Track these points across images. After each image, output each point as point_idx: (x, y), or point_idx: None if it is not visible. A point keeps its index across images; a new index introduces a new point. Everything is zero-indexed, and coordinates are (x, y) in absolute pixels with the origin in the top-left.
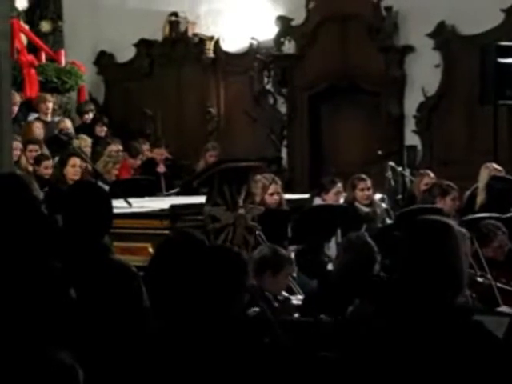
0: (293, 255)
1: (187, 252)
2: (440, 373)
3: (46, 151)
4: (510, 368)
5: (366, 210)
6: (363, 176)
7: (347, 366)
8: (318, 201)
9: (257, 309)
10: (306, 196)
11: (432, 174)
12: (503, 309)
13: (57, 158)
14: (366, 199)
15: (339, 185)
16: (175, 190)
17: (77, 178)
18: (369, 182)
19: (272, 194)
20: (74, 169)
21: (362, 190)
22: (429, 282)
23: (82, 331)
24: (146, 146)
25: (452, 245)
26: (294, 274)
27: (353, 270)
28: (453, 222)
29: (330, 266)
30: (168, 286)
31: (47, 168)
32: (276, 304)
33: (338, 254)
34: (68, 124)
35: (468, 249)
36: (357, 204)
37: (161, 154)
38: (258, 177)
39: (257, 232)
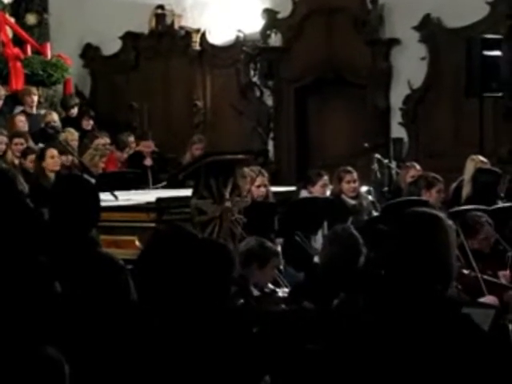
0: (279, 248)
1: (177, 245)
2: (429, 366)
3: (32, 144)
4: (495, 362)
5: (353, 202)
6: (349, 168)
7: (333, 359)
8: (304, 193)
9: (243, 300)
10: (293, 188)
11: (418, 167)
12: (487, 298)
13: None
14: (353, 192)
15: (325, 177)
16: (162, 184)
17: (57, 168)
18: (355, 175)
19: (259, 187)
20: (53, 160)
21: (349, 182)
22: (419, 275)
23: (68, 325)
24: (132, 139)
25: (442, 237)
26: (281, 267)
27: (338, 262)
28: (442, 214)
29: (316, 259)
30: (157, 279)
31: (33, 162)
32: (262, 296)
33: (323, 246)
34: (54, 117)
35: (454, 241)
36: (343, 196)
37: (148, 146)
38: (245, 169)
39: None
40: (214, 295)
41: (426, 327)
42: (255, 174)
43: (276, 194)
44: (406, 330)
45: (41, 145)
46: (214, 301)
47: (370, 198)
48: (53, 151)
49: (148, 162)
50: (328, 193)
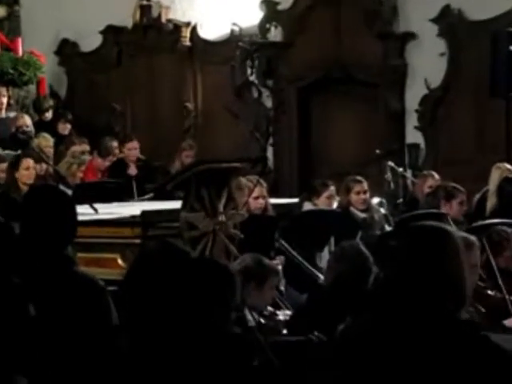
0: (280, 267)
1: (168, 265)
2: None
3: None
4: None
5: (363, 215)
6: (359, 178)
7: None
8: (308, 206)
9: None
10: (295, 200)
11: (436, 176)
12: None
13: None
14: (363, 204)
15: (332, 188)
16: (148, 196)
17: (30, 182)
18: (365, 185)
19: (256, 198)
20: (27, 172)
21: (358, 193)
22: (426, 295)
23: (43, 353)
24: (115, 145)
25: (451, 253)
26: (282, 288)
27: (345, 282)
28: (451, 228)
29: (322, 278)
30: (144, 304)
31: (2, 171)
32: (262, 320)
33: (329, 264)
34: (27, 121)
35: (477, 258)
36: (352, 209)
37: (133, 147)
38: (241, 179)
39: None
40: (213, 322)
41: (438, 350)
42: (252, 183)
43: (276, 206)
44: (418, 354)
45: (7, 152)
46: (213, 328)
47: (383, 210)
48: (29, 161)
49: (132, 170)
50: (335, 205)
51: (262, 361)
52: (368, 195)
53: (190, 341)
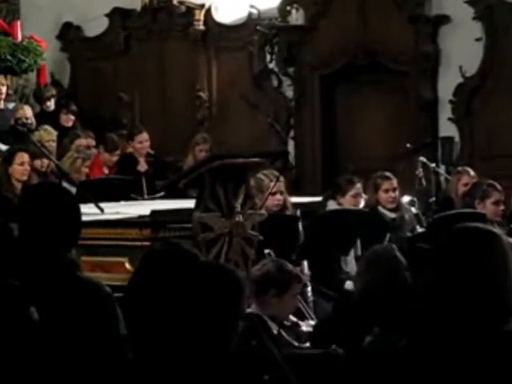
0: (307, 271)
1: (174, 269)
2: None
3: None
4: None
5: (392, 215)
6: (388, 174)
7: None
8: (332, 205)
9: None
10: (318, 199)
11: (472, 172)
12: None
13: None
14: (392, 202)
15: (358, 185)
16: (159, 194)
17: (25, 178)
18: (395, 182)
19: (274, 194)
20: (22, 167)
21: (387, 191)
22: (470, 304)
23: (44, 364)
24: (122, 138)
25: (498, 259)
26: (310, 295)
27: (377, 291)
28: (499, 231)
29: (348, 285)
30: (151, 311)
31: None
32: (282, 332)
33: (359, 270)
34: (27, 112)
35: None
36: (380, 208)
37: (145, 139)
38: (259, 175)
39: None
40: (218, 333)
41: (485, 369)
42: (269, 179)
43: (298, 205)
44: (461, 372)
45: (3, 147)
46: (218, 340)
47: (414, 210)
48: (23, 156)
49: (142, 166)
50: (362, 204)
51: (274, 375)
52: (398, 193)
53: (193, 350)
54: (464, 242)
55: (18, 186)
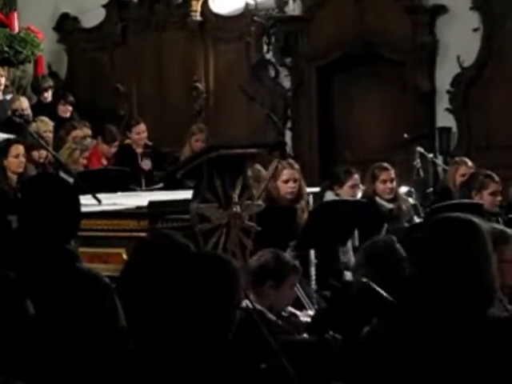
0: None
1: (166, 259)
2: None
3: None
4: None
5: (389, 206)
6: (386, 165)
7: None
8: (330, 195)
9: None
10: (316, 190)
11: (470, 163)
12: None
13: None
14: (389, 193)
15: (356, 176)
16: (159, 186)
17: (20, 170)
18: (392, 173)
19: (286, 182)
20: (17, 159)
21: (384, 181)
22: (452, 292)
23: (42, 355)
24: (119, 129)
25: (475, 246)
26: (314, 285)
27: (378, 282)
28: (478, 220)
29: (346, 275)
30: (142, 301)
31: None
32: (279, 322)
33: (359, 262)
34: (24, 104)
35: None
36: (378, 199)
37: (142, 130)
38: (259, 168)
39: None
40: (214, 322)
41: (471, 352)
42: (281, 165)
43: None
44: (449, 356)
45: (2, 135)
46: (214, 329)
47: (411, 200)
48: (18, 148)
49: (146, 164)
50: (359, 195)
51: (270, 364)
52: (395, 184)
53: (188, 341)
54: (444, 231)
55: (14, 178)
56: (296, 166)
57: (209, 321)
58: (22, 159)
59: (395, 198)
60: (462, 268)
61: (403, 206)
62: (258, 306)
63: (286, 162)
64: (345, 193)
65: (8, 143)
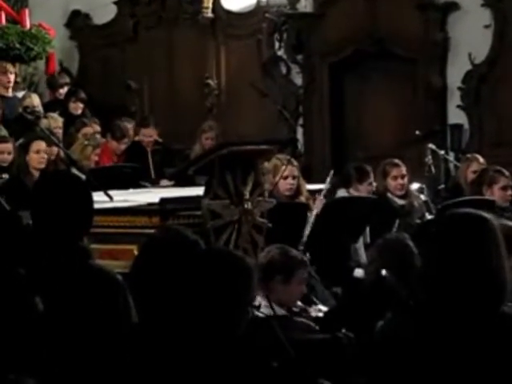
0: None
1: (177, 255)
2: None
3: (4, 132)
4: None
5: (401, 202)
6: (397, 161)
7: None
8: (342, 193)
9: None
10: (323, 186)
11: (481, 159)
12: None
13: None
14: (401, 189)
15: (370, 174)
16: (170, 183)
17: (42, 166)
18: (404, 169)
19: (286, 178)
20: (38, 155)
21: (396, 178)
22: (464, 288)
23: (51, 352)
24: (130, 126)
25: (489, 243)
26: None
27: (389, 277)
28: (489, 216)
29: (358, 272)
30: (152, 298)
31: (4, 153)
32: (289, 316)
33: (371, 258)
34: (35, 100)
35: None
36: (389, 195)
37: (150, 135)
38: (272, 161)
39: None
40: (227, 320)
41: (482, 348)
42: (282, 162)
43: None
44: (462, 352)
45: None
46: (226, 327)
47: (423, 197)
48: (40, 144)
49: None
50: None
51: (282, 362)
52: (407, 180)
53: (198, 338)
54: (457, 227)
55: (36, 174)
56: (295, 162)
57: (220, 318)
58: (44, 155)
59: (406, 195)
60: (475, 264)
61: (415, 203)
62: (280, 311)
63: (284, 158)
64: (362, 191)
65: (30, 139)
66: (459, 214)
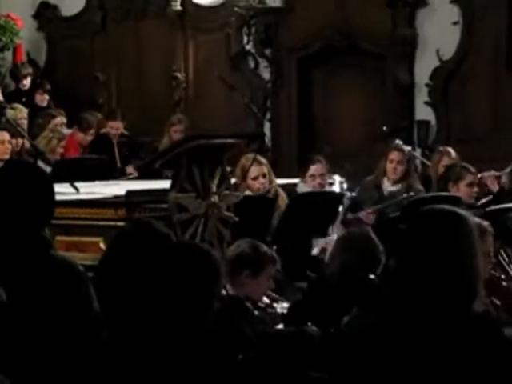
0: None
1: (146, 248)
2: None
3: None
4: None
5: (394, 188)
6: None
7: None
8: (301, 187)
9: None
10: (295, 181)
11: (454, 154)
12: None
13: None
14: (394, 174)
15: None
16: (135, 175)
17: (6, 157)
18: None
19: (255, 179)
20: (2, 146)
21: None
22: (436, 286)
23: (14, 344)
24: (99, 118)
25: (464, 240)
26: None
27: (353, 272)
28: (465, 213)
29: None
30: (122, 290)
31: None
32: (256, 312)
33: (333, 252)
34: None
35: (490, 246)
36: (385, 180)
37: (116, 127)
38: (241, 162)
39: None
40: (193, 313)
41: (452, 347)
42: (248, 161)
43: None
44: (430, 350)
45: None
46: (192, 320)
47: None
48: (4, 135)
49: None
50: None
51: (247, 355)
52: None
53: (165, 331)
54: (432, 223)
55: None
56: (263, 160)
57: (186, 311)
58: (8, 146)
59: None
60: (447, 261)
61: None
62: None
63: (251, 158)
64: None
65: None
66: (434, 210)
